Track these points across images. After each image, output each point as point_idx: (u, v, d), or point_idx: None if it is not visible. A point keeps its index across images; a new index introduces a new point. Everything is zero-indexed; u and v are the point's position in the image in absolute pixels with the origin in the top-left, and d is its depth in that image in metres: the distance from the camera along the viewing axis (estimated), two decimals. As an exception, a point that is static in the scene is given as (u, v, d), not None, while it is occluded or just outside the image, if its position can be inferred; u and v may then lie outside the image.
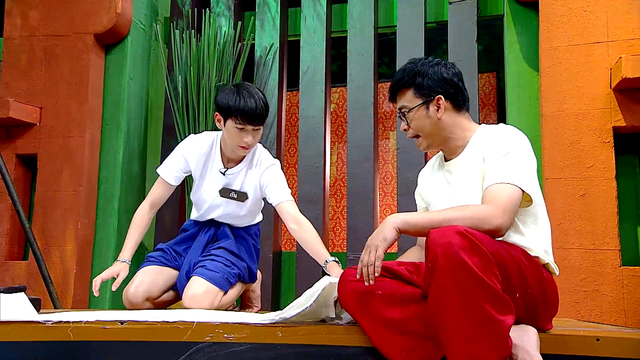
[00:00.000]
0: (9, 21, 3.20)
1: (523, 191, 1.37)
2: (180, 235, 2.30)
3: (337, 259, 1.93)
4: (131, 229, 2.14)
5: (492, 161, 1.41)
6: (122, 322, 1.49)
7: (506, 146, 1.41)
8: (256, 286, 2.44)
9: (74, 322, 1.50)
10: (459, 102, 1.53)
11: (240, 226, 2.29)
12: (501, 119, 3.59)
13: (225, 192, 2.15)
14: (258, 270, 2.42)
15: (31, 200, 3.16)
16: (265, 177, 2.13)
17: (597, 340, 1.37)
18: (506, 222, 1.32)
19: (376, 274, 1.31)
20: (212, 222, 2.26)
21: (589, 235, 2.42)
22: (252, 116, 1.98)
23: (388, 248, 1.33)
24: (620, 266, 2.38)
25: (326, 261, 1.94)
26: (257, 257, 2.36)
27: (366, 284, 1.33)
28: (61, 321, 1.50)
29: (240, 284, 2.22)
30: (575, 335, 1.40)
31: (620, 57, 2.39)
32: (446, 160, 1.59)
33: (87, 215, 3.01)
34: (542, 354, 1.27)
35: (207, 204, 2.19)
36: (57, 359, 1.48)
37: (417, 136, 1.56)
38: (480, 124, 1.58)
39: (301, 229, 2.04)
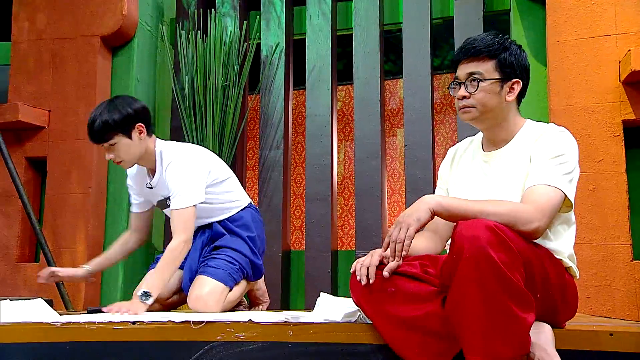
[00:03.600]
0: (17, 25, 3.22)
1: (565, 196, 1.34)
2: None
3: (145, 295, 1.80)
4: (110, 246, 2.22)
5: (540, 162, 1.36)
6: (133, 323, 1.50)
7: (557, 149, 1.37)
8: (260, 283, 2.38)
9: (86, 323, 1.50)
10: (523, 94, 1.48)
11: (222, 218, 2.20)
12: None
13: (162, 205, 2.12)
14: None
15: (41, 202, 3.18)
16: (167, 177, 2.02)
17: (611, 335, 1.36)
18: (543, 226, 1.29)
19: (404, 252, 1.28)
20: (201, 226, 2.21)
21: (600, 229, 2.40)
22: (89, 133, 1.97)
23: (420, 229, 1.30)
24: (632, 260, 2.36)
25: (144, 292, 1.82)
26: (258, 247, 2.24)
27: (392, 260, 1.30)
28: (73, 322, 1.51)
29: (244, 281, 2.18)
30: (589, 331, 1.39)
31: (629, 50, 2.36)
32: (485, 149, 1.53)
33: (96, 217, 3.03)
34: (556, 350, 1.26)
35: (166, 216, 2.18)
36: (69, 359, 1.49)
37: (472, 107, 1.44)
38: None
39: (169, 246, 1.93)
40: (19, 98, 3.11)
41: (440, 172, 1.67)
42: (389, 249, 1.32)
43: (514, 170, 1.42)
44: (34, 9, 3.21)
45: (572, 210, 1.42)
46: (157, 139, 2.10)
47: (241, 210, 2.23)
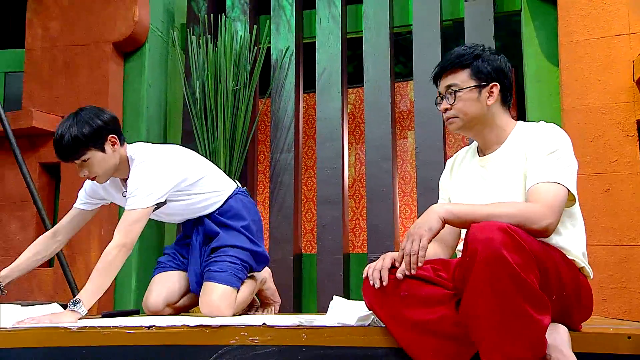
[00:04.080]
0: (30, 32, 3.26)
1: (568, 191, 1.35)
2: (178, 235, 2.31)
3: (73, 304, 1.70)
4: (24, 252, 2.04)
5: (537, 159, 1.38)
6: (148, 327, 1.51)
7: (551, 144, 1.38)
8: (269, 282, 2.35)
9: (101, 327, 1.51)
10: (507, 97, 1.51)
11: (211, 211, 2.14)
12: (521, 115, 3.55)
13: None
14: (266, 267, 2.30)
15: (55, 207, 3.21)
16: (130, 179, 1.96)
17: (629, 338, 1.34)
18: (554, 223, 1.29)
19: (419, 264, 1.29)
20: (194, 222, 2.18)
21: (615, 231, 2.37)
22: (57, 151, 1.85)
23: (432, 238, 1.31)
24: (648, 262, 2.34)
25: (74, 300, 1.72)
26: (254, 232, 2.16)
27: (407, 272, 1.32)
28: (89, 326, 1.53)
29: (250, 280, 2.16)
30: (606, 333, 1.37)
31: (643, 49, 2.34)
32: (480, 154, 1.55)
33: (110, 222, 3.05)
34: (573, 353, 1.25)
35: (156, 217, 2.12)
36: (85, 363, 1.50)
37: (455, 117, 1.49)
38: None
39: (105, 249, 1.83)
40: (33, 104, 3.14)
41: (440, 184, 1.69)
42: (403, 262, 1.33)
43: (510, 170, 1.44)
44: (47, 17, 3.25)
45: (577, 204, 1.43)
46: (127, 144, 2.00)
47: (229, 198, 2.16)
